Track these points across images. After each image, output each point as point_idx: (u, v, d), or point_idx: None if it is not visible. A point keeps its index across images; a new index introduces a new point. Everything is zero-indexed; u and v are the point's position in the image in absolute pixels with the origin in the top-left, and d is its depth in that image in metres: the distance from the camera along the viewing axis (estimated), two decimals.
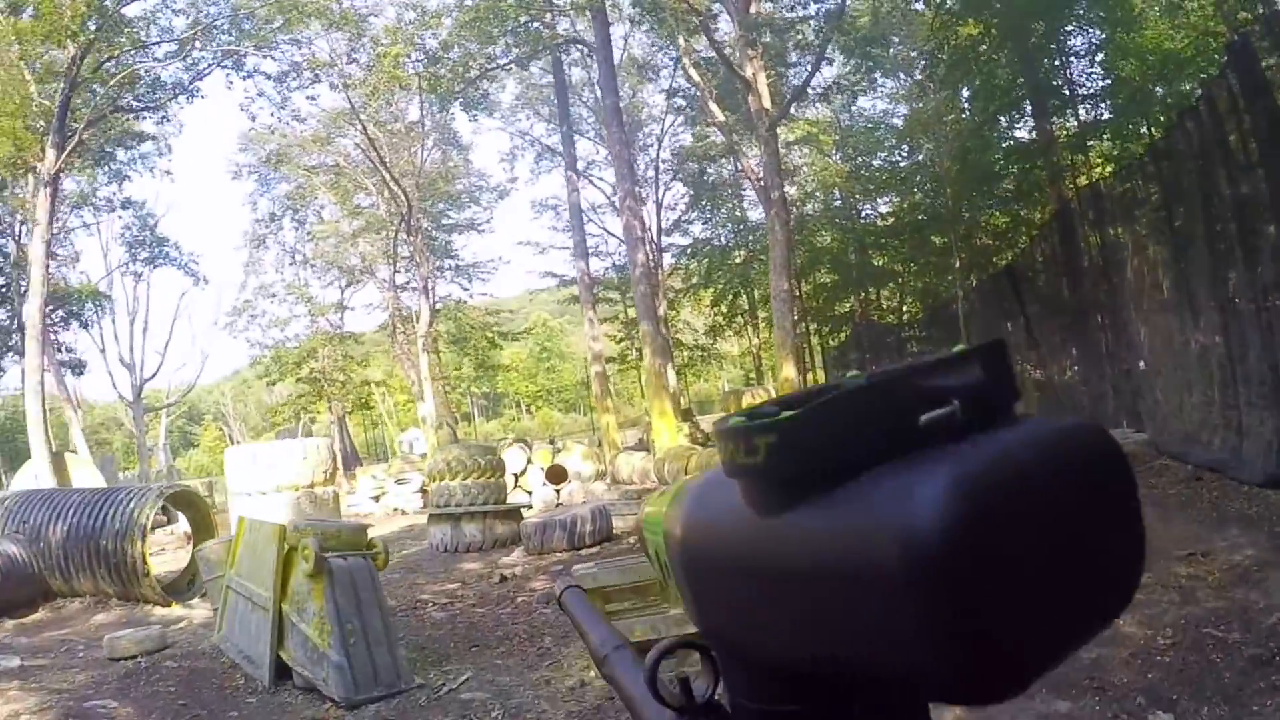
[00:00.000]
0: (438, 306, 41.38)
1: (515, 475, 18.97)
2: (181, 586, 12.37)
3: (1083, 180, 19.32)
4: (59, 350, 33.29)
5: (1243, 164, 9.40)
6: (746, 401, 25.81)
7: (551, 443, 38.34)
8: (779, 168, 17.15)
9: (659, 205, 37.83)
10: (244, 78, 24.42)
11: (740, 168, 19.77)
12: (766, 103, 16.64)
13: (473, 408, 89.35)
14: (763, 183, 16.84)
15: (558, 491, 18.71)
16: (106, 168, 34.13)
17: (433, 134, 36.80)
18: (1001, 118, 22.05)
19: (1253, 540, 7.06)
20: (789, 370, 16.75)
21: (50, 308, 33.60)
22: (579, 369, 53.31)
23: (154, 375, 42.33)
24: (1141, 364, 13.76)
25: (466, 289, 43.13)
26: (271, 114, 26.21)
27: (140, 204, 38.31)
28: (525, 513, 15.39)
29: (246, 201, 47.51)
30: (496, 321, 44.89)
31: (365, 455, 51.88)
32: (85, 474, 20.29)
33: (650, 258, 26.30)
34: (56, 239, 35.85)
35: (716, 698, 0.68)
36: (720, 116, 17.90)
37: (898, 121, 32.03)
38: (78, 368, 36.88)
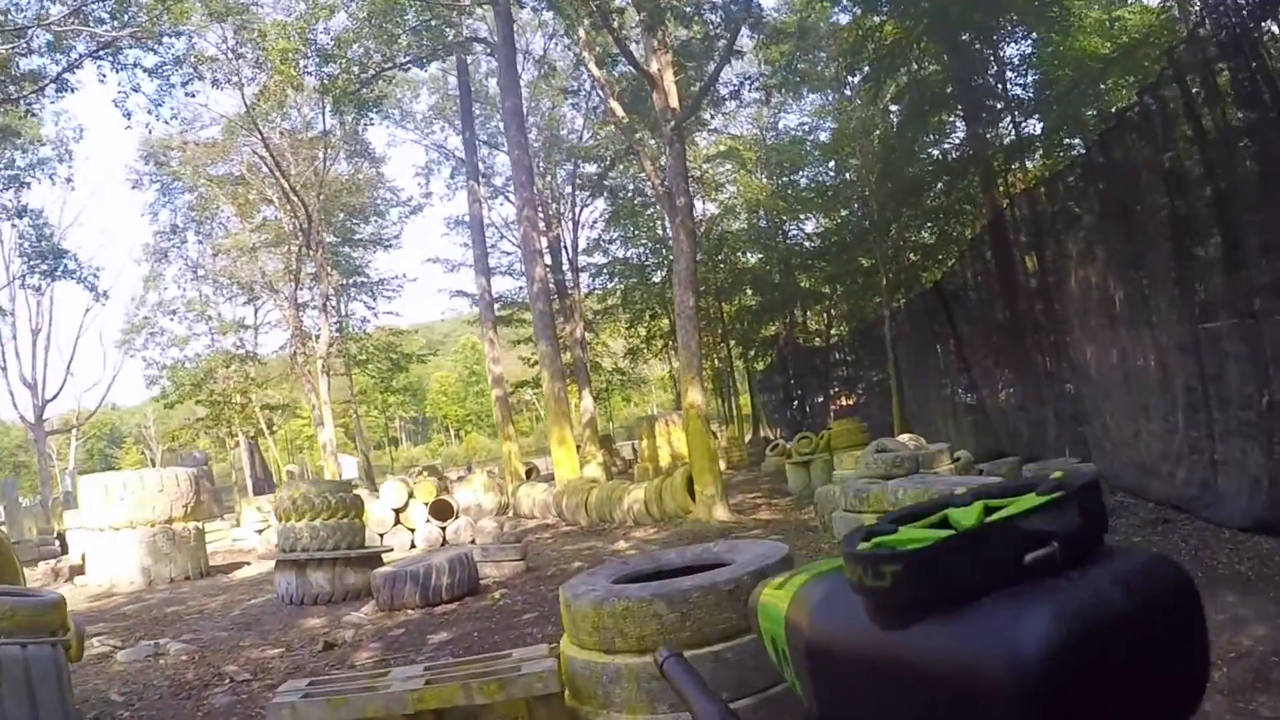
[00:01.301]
0: (345, 327, 39.40)
1: (396, 511, 16.94)
2: None
3: (1018, 188, 17.99)
4: None
5: (1214, 156, 7.91)
6: (659, 429, 24.16)
7: (469, 469, 36.57)
8: (685, 171, 15.45)
9: (575, 222, 36.21)
10: (117, 70, 22.08)
11: (645, 173, 17.95)
12: (674, 101, 14.98)
13: (400, 432, 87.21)
14: (666, 187, 15.15)
15: (443, 529, 16.71)
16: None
17: (341, 144, 34.88)
18: (931, 123, 20.77)
19: (1259, 611, 5.42)
20: (695, 395, 15.00)
21: None
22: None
23: (56, 395, 39.51)
24: (1086, 387, 12.29)
25: (371, 307, 41.22)
26: (149, 111, 23.92)
27: (38, 212, 35.78)
28: (390, 557, 13.45)
29: (146, 212, 45.26)
30: (399, 342, 42.63)
31: (282, 482, 49.28)
32: None
33: (548, 275, 24.41)
34: None
35: None
36: (620, 113, 16.16)
37: (824, 136, 30.74)
38: None
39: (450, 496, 18.19)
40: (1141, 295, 9.56)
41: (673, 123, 14.79)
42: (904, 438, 14.35)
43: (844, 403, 31.01)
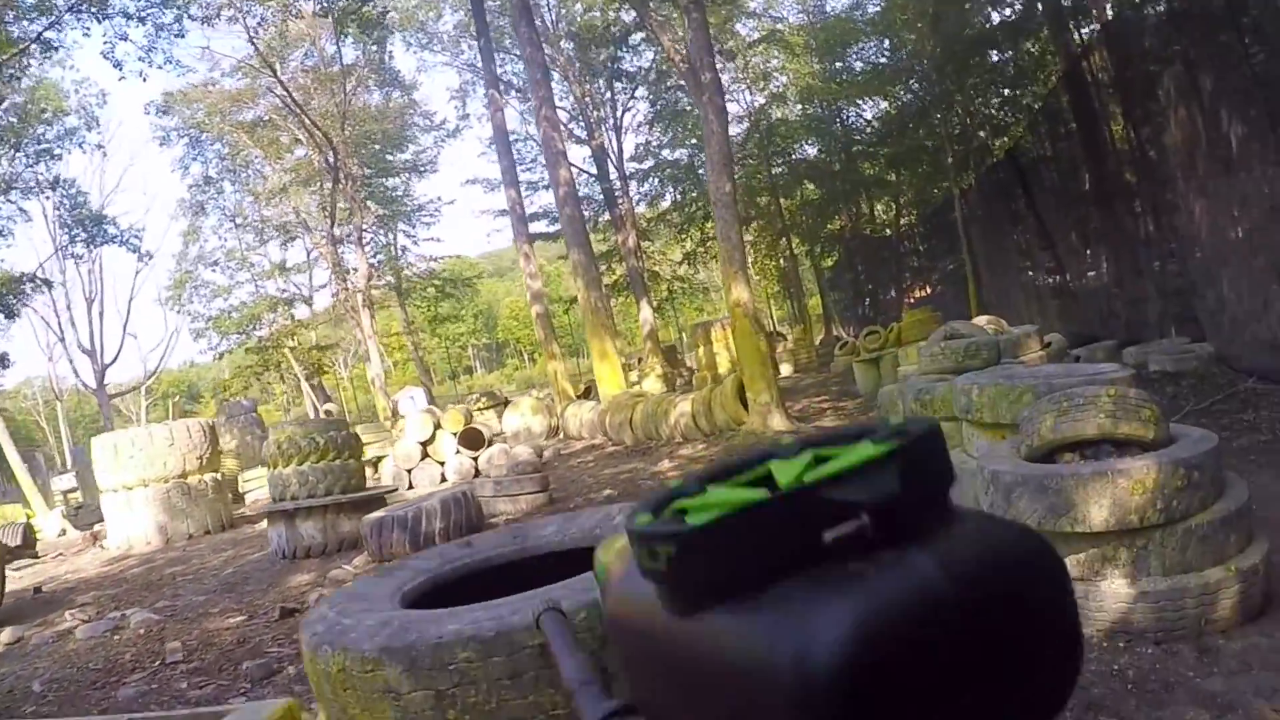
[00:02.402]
0: (391, 258, 38.37)
1: (423, 444, 15.66)
2: None
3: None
4: None
5: None
6: (716, 334, 22.64)
7: (531, 391, 35.52)
8: (708, 43, 13.57)
9: (618, 128, 34.41)
10: (100, 21, 20.65)
11: (664, 50, 16.07)
12: None
13: (475, 360, 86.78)
14: (689, 63, 13.30)
15: (474, 459, 15.34)
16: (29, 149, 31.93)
17: (369, 75, 33.55)
18: None
19: None
20: (740, 291, 13.32)
21: None
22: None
23: (114, 360, 39.67)
24: (1195, 253, 10.33)
25: (411, 235, 40.12)
26: (140, 59, 22.74)
27: (71, 182, 35.82)
28: (414, 493, 12.15)
29: (177, 167, 44.85)
30: (443, 268, 41.46)
31: (355, 422, 48.89)
32: None
33: (574, 179, 22.52)
34: None
35: None
36: None
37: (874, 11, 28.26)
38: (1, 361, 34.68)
39: (484, 424, 16.83)
40: (1271, 122, 7.60)
41: None
42: (981, 320, 12.29)
43: (918, 294, 29.33)
